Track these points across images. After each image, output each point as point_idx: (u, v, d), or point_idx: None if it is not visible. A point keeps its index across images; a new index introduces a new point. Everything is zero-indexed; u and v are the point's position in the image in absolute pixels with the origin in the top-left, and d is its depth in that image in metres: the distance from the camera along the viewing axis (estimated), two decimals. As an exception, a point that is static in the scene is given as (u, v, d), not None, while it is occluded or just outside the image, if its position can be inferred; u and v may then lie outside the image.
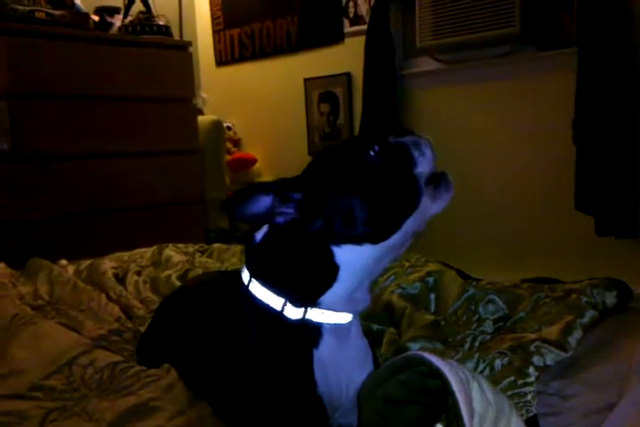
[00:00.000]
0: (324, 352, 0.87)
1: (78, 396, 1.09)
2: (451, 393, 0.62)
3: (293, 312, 0.86)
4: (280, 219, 0.84)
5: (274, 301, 0.87)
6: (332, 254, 0.84)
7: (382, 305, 1.41)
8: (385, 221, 0.84)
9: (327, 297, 0.86)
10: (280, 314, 0.86)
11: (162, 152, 3.21)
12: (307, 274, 0.86)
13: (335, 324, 0.87)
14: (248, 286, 0.90)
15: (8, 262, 1.99)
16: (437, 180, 0.88)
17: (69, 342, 1.26)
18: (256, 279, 0.89)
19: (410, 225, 0.85)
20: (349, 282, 0.86)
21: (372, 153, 0.86)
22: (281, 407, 0.86)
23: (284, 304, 0.86)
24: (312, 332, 0.86)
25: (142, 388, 1.06)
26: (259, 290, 0.88)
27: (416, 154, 0.88)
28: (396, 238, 0.85)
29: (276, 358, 0.87)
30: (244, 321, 0.90)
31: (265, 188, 0.84)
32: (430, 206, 0.87)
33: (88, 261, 2.00)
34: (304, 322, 0.86)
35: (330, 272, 0.85)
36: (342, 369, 0.88)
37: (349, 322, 0.89)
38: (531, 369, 0.99)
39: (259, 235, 0.92)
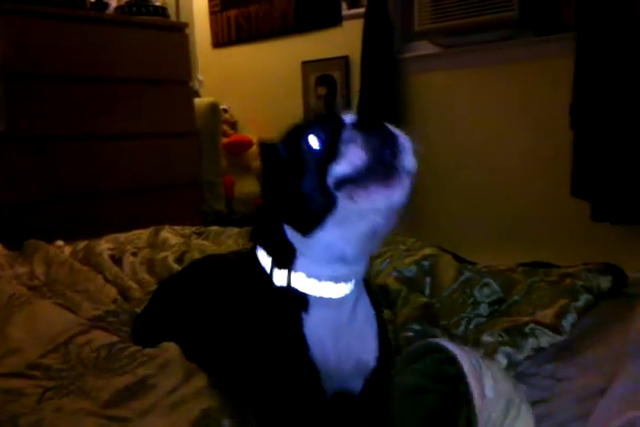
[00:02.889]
0: (316, 318, 0.87)
1: (75, 374, 1.09)
2: (463, 377, 0.63)
3: (279, 275, 0.88)
4: None
5: (266, 261, 0.90)
6: (283, 232, 0.86)
7: (377, 287, 1.42)
8: (298, 219, 0.83)
9: (299, 266, 0.87)
10: (270, 276, 0.89)
11: (158, 134, 3.19)
12: (275, 245, 0.89)
13: (322, 297, 0.87)
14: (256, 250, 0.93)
15: (4, 244, 1.99)
16: (369, 175, 0.76)
17: (66, 322, 1.27)
18: (258, 243, 0.93)
19: (336, 225, 0.79)
20: (311, 257, 0.86)
21: (280, 152, 0.87)
22: (273, 371, 0.88)
23: (272, 267, 0.89)
24: (299, 299, 0.87)
25: (138, 367, 1.07)
26: (260, 253, 0.92)
27: (342, 151, 0.77)
28: (325, 236, 0.80)
29: (267, 321, 0.89)
30: (249, 288, 0.93)
31: None
32: (352, 208, 0.77)
33: (84, 243, 2.00)
34: (289, 289, 0.87)
35: (287, 247, 0.87)
36: (340, 337, 0.88)
37: (345, 295, 0.88)
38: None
39: None
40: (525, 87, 2.86)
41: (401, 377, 0.74)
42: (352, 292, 0.88)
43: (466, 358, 0.65)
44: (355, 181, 0.76)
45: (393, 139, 0.79)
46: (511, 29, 2.85)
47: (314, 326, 0.87)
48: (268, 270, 0.89)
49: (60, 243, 2.06)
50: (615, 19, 2.42)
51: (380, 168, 0.76)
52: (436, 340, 0.70)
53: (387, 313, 1.31)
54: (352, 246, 0.82)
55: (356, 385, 0.91)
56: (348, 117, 0.84)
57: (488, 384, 0.65)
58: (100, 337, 1.20)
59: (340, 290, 0.87)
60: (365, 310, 0.93)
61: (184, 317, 1.13)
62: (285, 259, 0.87)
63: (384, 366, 0.91)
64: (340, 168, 0.76)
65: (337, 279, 0.86)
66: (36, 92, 2.78)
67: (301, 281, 0.86)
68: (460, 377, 0.65)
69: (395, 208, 0.79)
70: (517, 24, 2.80)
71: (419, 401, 0.72)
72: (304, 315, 0.87)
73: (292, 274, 0.87)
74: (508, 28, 2.85)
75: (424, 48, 3.20)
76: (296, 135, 0.85)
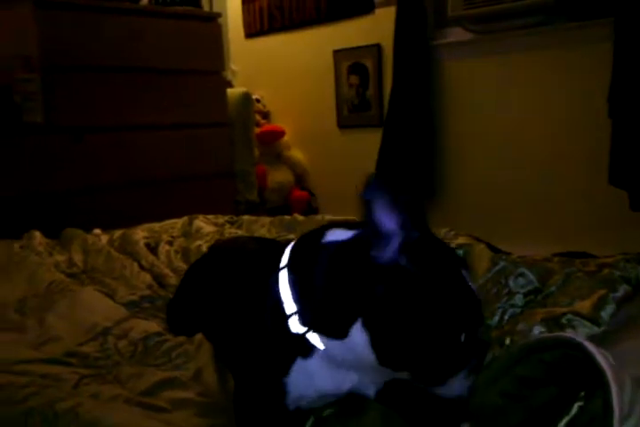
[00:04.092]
0: (312, 364, 0.83)
1: (112, 364, 1.11)
2: (602, 375, 0.62)
3: (295, 325, 0.83)
4: (376, 253, 0.76)
5: (288, 302, 0.83)
6: (350, 319, 0.78)
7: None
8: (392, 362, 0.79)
9: (325, 343, 0.82)
10: (285, 318, 0.83)
11: (192, 124, 3.22)
12: (325, 316, 0.81)
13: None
14: (280, 269, 0.86)
15: (43, 232, 2.03)
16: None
17: (105, 310, 1.29)
18: (288, 272, 0.85)
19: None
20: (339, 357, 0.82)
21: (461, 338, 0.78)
22: (251, 374, 0.89)
23: (293, 313, 0.82)
24: (305, 345, 0.83)
25: (174, 369, 1.08)
26: (283, 281, 0.85)
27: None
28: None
29: (268, 339, 0.86)
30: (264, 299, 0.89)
31: (406, 224, 0.75)
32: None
33: (120, 231, 2.03)
34: (299, 336, 0.83)
35: (340, 332, 0.79)
36: (336, 380, 0.86)
37: None
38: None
39: (331, 236, 0.84)
40: (561, 74, 2.81)
41: (519, 366, 0.73)
42: None
43: (602, 356, 0.64)
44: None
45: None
46: (546, 15, 2.79)
47: (307, 368, 0.84)
48: (286, 307, 0.83)
49: (97, 231, 2.10)
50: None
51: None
52: (569, 335, 0.70)
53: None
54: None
55: (368, 393, 0.90)
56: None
57: (627, 385, 0.64)
58: (138, 327, 1.22)
59: None
60: None
61: (208, 302, 1.14)
62: (320, 329, 0.81)
63: None
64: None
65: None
66: (72, 84, 2.82)
67: (315, 337, 0.82)
68: (589, 374, 0.64)
69: None
70: (552, 9, 2.75)
71: (533, 393, 0.71)
72: (299, 357, 0.84)
73: (310, 334, 0.82)
74: (543, 14, 2.80)
75: (458, 35, 3.16)
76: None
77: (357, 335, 0.77)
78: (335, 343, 0.80)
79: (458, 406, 0.92)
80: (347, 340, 0.78)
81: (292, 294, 0.83)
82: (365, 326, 0.76)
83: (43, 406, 0.91)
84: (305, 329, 0.81)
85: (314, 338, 0.82)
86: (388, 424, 0.87)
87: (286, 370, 0.84)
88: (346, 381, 0.86)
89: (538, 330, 1.02)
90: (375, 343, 0.76)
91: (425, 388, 0.82)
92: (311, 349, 0.83)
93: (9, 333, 1.27)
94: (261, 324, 0.87)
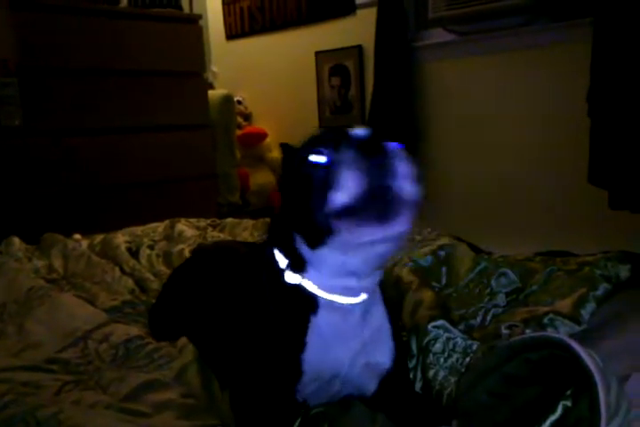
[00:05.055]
0: (324, 321, 0.86)
1: (93, 369, 1.10)
2: (590, 376, 0.63)
3: (291, 276, 0.87)
4: None
5: (282, 261, 0.88)
6: (293, 240, 0.85)
7: (394, 278, 1.41)
8: (304, 233, 0.82)
9: (309, 276, 0.86)
10: (282, 274, 0.87)
11: (173, 127, 3.20)
12: (286, 250, 0.88)
13: (333, 301, 0.85)
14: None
15: (22, 237, 2.01)
16: (367, 205, 0.73)
17: (85, 316, 1.28)
18: (276, 244, 0.91)
19: (338, 248, 0.78)
20: (319, 269, 0.84)
21: (295, 161, 0.82)
22: (258, 363, 0.89)
23: (287, 266, 0.87)
24: (309, 300, 0.86)
25: (156, 370, 1.08)
26: (277, 252, 0.90)
27: (342, 177, 0.74)
28: (330, 254, 0.80)
29: (275, 316, 0.89)
30: (260, 279, 0.92)
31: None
32: (350, 238, 0.75)
33: (101, 236, 2.01)
34: (300, 288, 0.86)
35: (297, 254, 0.85)
36: (349, 341, 0.88)
37: (355, 303, 0.87)
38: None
39: None
40: (542, 74, 2.82)
41: (506, 366, 0.74)
42: (362, 302, 0.87)
43: (589, 357, 0.65)
44: (353, 211, 0.73)
45: (395, 165, 0.73)
46: (527, 15, 2.81)
47: (320, 328, 0.86)
48: (282, 265, 0.88)
49: (77, 236, 2.08)
50: (632, 3, 2.38)
51: (380, 197, 0.73)
52: (558, 335, 0.71)
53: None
54: (356, 265, 0.81)
55: (369, 386, 0.91)
56: (357, 134, 0.80)
57: (613, 385, 0.64)
58: (119, 331, 1.21)
59: (350, 299, 0.86)
60: (378, 318, 0.92)
61: (194, 306, 1.14)
62: (297, 265, 0.86)
63: (400, 368, 0.92)
64: (338, 197, 0.73)
65: (345, 293, 0.85)
66: (50, 86, 2.80)
67: (312, 287, 0.86)
68: (575, 374, 0.64)
69: (395, 238, 0.76)
70: (534, 10, 2.77)
71: (519, 392, 0.72)
72: (312, 317, 0.86)
73: (304, 280, 0.86)
74: (523, 15, 2.81)
75: (439, 36, 3.17)
76: (308, 148, 0.81)
77: (303, 248, 0.83)
78: (320, 261, 0.83)
79: (441, 406, 0.92)
80: (317, 249, 0.81)
81: (282, 254, 0.89)
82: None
83: (24, 413, 0.89)
84: (296, 276, 0.86)
85: (310, 285, 0.85)
86: (374, 420, 0.88)
87: (302, 344, 0.86)
88: (352, 335, 0.87)
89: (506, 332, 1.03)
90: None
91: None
92: (314, 302, 0.86)
93: (-12, 340, 1.25)
94: (263, 307, 0.90)
